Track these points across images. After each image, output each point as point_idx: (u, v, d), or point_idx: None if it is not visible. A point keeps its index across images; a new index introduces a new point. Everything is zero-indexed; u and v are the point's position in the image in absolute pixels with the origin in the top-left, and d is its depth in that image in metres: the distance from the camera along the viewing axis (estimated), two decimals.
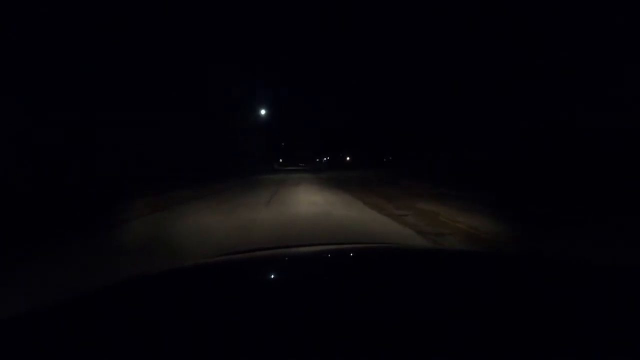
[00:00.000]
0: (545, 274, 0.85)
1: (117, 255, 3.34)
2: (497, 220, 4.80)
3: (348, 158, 63.77)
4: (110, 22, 13.56)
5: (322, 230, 4.38)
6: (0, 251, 3.56)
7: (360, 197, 8.24)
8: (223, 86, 24.81)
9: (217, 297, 0.71)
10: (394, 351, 0.43)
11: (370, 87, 50.44)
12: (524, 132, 17.58)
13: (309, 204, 6.99)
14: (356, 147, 56.94)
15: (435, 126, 27.37)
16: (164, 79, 16.93)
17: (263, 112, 32.16)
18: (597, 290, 0.72)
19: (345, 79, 69.25)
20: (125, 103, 14.16)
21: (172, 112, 17.62)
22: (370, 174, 20.95)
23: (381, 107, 41.73)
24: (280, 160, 78.20)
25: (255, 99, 30.83)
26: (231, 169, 23.10)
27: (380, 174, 20.41)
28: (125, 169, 13.45)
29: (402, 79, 37.40)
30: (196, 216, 5.64)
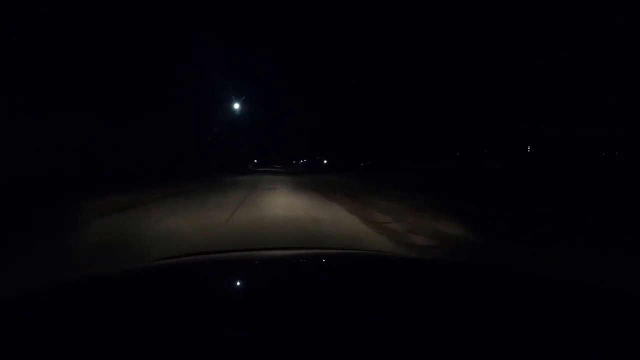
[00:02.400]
0: (515, 286, 0.84)
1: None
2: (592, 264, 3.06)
3: (325, 161, 62.37)
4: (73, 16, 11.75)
5: None
6: None
7: (354, 210, 6.34)
8: (197, 86, 22.35)
9: (182, 299, 0.66)
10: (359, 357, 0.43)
11: (352, 89, 49.25)
12: (525, 132, 16.93)
13: (288, 218, 4.99)
14: (333, 151, 55.55)
15: (429, 129, 26.48)
16: (131, 75, 14.99)
17: (237, 109, 29.77)
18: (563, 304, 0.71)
19: (326, 81, 67.58)
20: (84, 102, 12.35)
21: (140, 111, 15.80)
22: (352, 179, 19.18)
23: (363, 110, 40.63)
24: (255, 161, 75.02)
25: (230, 96, 28.25)
26: (200, 169, 20.77)
27: (364, 178, 18.69)
28: (80, 170, 11.67)
29: (389, 81, 36.49)
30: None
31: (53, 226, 4.42)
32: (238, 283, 0.83)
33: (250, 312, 0.59)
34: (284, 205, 6.81)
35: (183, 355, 0.42)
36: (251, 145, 60.56)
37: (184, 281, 0.79)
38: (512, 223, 4.98)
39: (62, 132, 11.42)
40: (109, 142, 14.00)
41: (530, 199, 7.79)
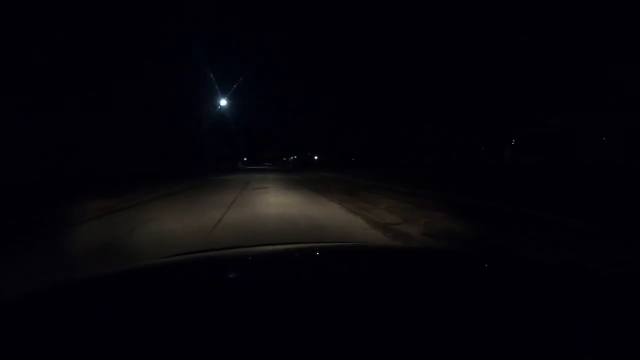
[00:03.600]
0: (505, 273, 0.82)
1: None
2: None
3: (316, 157, 61.80)
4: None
5: None
6: None
7: (357, 210, 5.77)
8: (187, 86, 21.37)
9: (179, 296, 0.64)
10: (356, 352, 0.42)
11: (344, 86, 48.67)
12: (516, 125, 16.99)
13: (284, 222, 4.39)
14: (324, 147, 54.99)
15: (421, 127, 26.28)
16: (124, 77, 14.17)
17: (226, 107, 28.96)
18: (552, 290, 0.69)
19: (320, 76, 66.53)
20: (72, 103, 11.44)
21: (123, 110, 14.80)
22: (345, 175, 18.65)
23: (355, 107, 40.28)
24: (245, 159, 73.73)
25: (217, 94, 27.32)
26: (191, 169, 19.96)
27: (357, 174, 18.19)
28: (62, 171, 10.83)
29: (383, 79, 36.23)
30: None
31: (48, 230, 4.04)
32: (239, 279, 0.82)
33: (253, 308, 0.57)
34: (277, 207, 6.21)
35: (187, 353, 0.41)
36: (241, 143, 59.43)
37: (186, 278, 0.77)
38: (529, 224, 4.51)
39: (47, 133, 10.47)
40: (100, 145, 13.15)
41: (536, 195, 7.45)
